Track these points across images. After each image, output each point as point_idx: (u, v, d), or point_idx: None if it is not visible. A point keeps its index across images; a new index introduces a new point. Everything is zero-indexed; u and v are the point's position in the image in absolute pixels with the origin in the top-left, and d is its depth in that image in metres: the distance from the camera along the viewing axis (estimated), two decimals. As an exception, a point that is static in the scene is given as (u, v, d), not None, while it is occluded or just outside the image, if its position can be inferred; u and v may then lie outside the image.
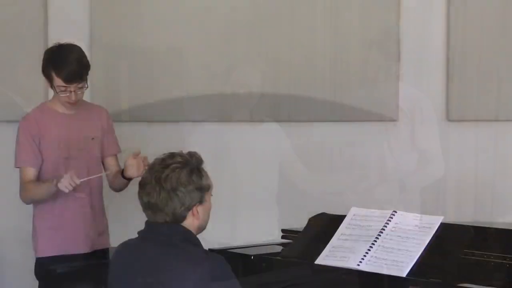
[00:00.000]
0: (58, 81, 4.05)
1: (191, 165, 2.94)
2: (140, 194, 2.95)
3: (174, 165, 2.91)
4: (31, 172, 4.13)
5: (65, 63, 4.03)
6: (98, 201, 4.30)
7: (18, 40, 5.31)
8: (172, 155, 2.97)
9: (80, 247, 4.20)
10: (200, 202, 2.94)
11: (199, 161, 2.98)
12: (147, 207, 2.93)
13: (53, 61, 4.07)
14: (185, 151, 3.05)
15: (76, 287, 3.88)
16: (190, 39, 5.38)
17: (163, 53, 5.37)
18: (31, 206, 4.25)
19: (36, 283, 4.18)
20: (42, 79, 5.11)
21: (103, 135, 4.30)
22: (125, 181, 4.13)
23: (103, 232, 4.33)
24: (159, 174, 2.90)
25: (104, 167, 4.33)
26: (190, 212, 2.92)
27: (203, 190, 2.94)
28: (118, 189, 4.30)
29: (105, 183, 4.37)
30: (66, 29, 5.24)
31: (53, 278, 3.90)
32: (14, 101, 5.27)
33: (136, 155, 4.05)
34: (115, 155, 4.36)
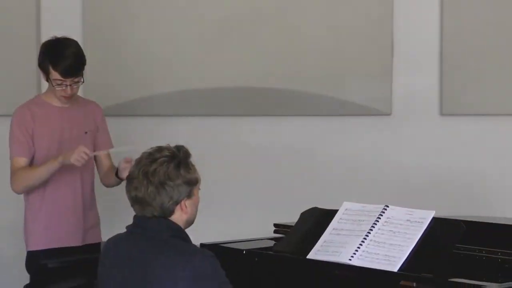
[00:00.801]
0: (54, 75, 4.05)
1: (179, 158, 2.92)
2: (128, 189, 2.93)
3: (161, 159, 2.90)
4: (23, 162, 4.12)
5: (62, 57, 4.03)
6: (89, 195, 4.30)
7: (11, 33, 5.30)
8: (159, 149, 2.95)
9: (71, 241, 4.20)
10: (189, 196, 2.92)
11: (187, 154, 2.96)
12: (135, 201, 2.91)
13: (50, 55, 4.07)
14: (176, 145, 3.04)
15: (67, 280, 3.87)
16: (183, 33, 5.37)
17: (156, 47, 5.36)
18: (22, 199, 4.25)
19: (27, 276, 4.17)
20: (34, 72, 5.12)
21: (96, 131, 4.31)
22: (117, 179, 4.14)
23: (95, 225, 4.33)
24: (147, 168, 2.89)
25: (96, 163, 4.34)
26: (178, 206, 2.91)
27: (191, 184, 2.93)
28: (110, 186, 4.30)
29: (97, 179, 4.37)
30: (59, 22, 5.23)
31: (44, 272, 3.89)
32: (7, 95, 5.26)
33: (128, 161, 4.02)
34: (108, 152, 4.36)
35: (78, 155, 3.94)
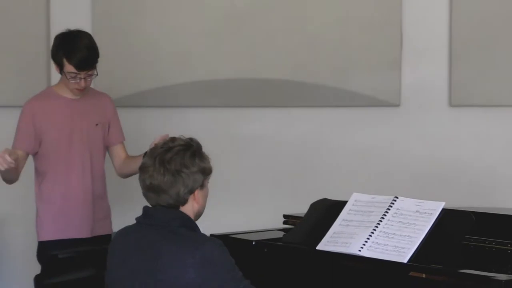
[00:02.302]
0: (69, 68, 4.06)
1: (193, 148, 2.96)
2: (142, 177, 2.95)
3: (177, 148, 2.93)
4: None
5: (76, 50, 4.04)
6: (100, 187, 4.31)
7: (20, 24, 5.31)
8: (173, 139, 2.99)
9: (81, 232, 4.22)
10: (201, 186, 2.96)
11: (199, 145, 3.00)
12: (150, 189, 2.93)
13: (64, 48, 4.08)
14: (189, 135, 3.06)
15: (77, 271, 3.89)
16: (193, 24, 5.38)
17: (166, 39, 5.36)
18: (34, 191, 4.27)
19: (39, 267, 4.19)
20: (44, 63, 5.14)
21: (108, 123, 4.32)
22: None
23: (105, 217, 4.35)
24: (163, 156, 2.91)
25: (111, 155, 4.36)
26: (192, 196, 2.94)
27: (206, 173, 2.96)
28: (128, 175, 4.31)
29: (110, 170, 4.38)
30: (68, 14, 5.24)
31: (54, 262, 3.91)
32: (18, 87, 5.28)
33: (163, 138, 3.96)
34: (122, 143, 4.38)
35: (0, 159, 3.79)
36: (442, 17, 5.38)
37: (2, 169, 3.83)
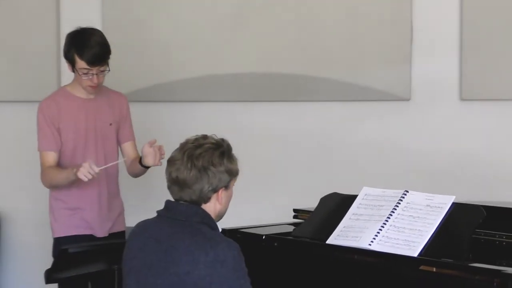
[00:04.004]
0: (81, 64, 4.07)
1: (223, 148, 2.98)
2: (169, 170, 2.97)
3: (207, 145, 2.95)
4: (51, 157, 4.16)
5: (88, 46, 4.06)
6: (114, 185, 4.34)
7: (31, 21, 5.32)
8: (205, 136, 3.01)
9: (96, 228, 4.25)
10: (226, 187, 2.98)
11: (230, 147, 3.03)
12: (175, 182, 2.94)
13: (75, 44, 4.09)
14: (198, 130, 3.10)
15: (88, 266, 3.90)
16: (202, 18, 5.38)
17: (175, 33, 5.37)
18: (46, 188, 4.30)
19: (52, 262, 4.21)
20: (54, 59, 5.15)
21: (120, 122, 4.33)
22: (142, 168, 4.17)
23: (119, 214, 4.37)
24: (192, 151, 2.93)
25: (122, 153, 4.38)
26: (215, 195, 2.95)
27: (232, 174, 2.98)
28: (136, 175, 4.33)
29: (122, 168, 4.39)
30: (78, 10, 5.25)
31: (64, 257, 3.92)
32: (28, 82, 5.29)
33: (152, 143, 4.06)
34: (133, 141, 4.39)
35: (85, 171, 3.89)
36: (452, 11, 5.35)
37: (85, 179, 3.89)
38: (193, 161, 2.91)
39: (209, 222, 2.94)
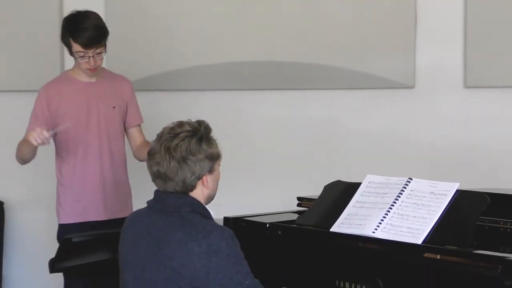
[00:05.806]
0: (76, 47, 4.09)
1: (200, 133, 2.93)
2: (150, 164, 2.94)
3: (183, 134, 2.90)
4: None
5: (82, 29, 4.07)
6: (120, 170, 4.34)
7: (33, 8, 5.31)
8: (180, 124, 2.96)
9: (100, 215, 4.27)
10: (210, 171, 2.94)
11: (208, 129, 2.97)
12: (157, 176, 2.92)
13: (70, 28, 4.12)
14: (203, 119, 3.04)
15: (92, 255, 3.90)
16: (207, 6, 5.37)
17: (180, 22, 5.36)
18: (54, 175, 4.31)
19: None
20: (57, 48, 5.14)
21: (126, 105, 4.33)
22: None
23: (126, 200, 4.37)
24: (169, 143, 2.89)
25: (128, 138, 4.38)
26: (200, 181, 2.92)
27: (213, 158, 2.94)
28: (144, 160, 4.32)
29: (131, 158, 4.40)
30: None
31: (69, 246, 3.93)
32: (31, 71, 5.29)
33: None
34: (139, 126, 4.39)
35: (35, 135, 3.90)
36: (457, -2, 5.34)
37: (35, 144, 3.89)
38: (171, 153, 2.87)
39: (200, 210, 2.91)
